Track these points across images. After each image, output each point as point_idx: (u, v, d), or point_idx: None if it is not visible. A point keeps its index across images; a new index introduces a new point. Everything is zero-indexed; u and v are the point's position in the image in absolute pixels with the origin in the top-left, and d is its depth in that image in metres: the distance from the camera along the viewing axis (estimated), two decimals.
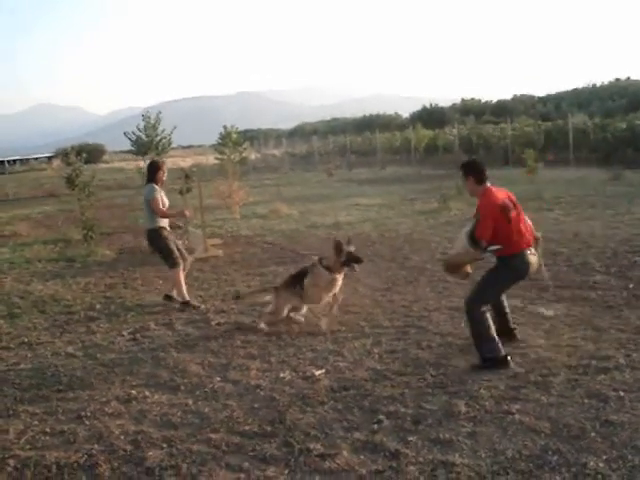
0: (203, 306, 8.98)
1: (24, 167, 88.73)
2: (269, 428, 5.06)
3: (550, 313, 7.28)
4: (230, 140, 35.46)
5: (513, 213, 6.11)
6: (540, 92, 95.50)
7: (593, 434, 4.61)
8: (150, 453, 4.80)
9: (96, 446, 4.99)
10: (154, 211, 8.91)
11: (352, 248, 7.59)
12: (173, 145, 42.14)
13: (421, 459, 4.43)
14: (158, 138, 39.96)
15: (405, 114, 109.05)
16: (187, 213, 9.50)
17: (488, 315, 6.14)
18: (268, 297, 8.13)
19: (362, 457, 4.53)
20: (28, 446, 5.09)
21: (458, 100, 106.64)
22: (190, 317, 8.53)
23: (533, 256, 6.22)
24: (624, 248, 11.09)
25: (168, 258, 9.05)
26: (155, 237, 9.08)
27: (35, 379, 6.59)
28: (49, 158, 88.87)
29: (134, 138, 40.29)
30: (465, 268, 6.52)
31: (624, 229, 13.07)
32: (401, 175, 32.09)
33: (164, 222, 9.12)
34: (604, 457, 4.30)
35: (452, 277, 7.67)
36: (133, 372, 6.59)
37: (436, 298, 8.60)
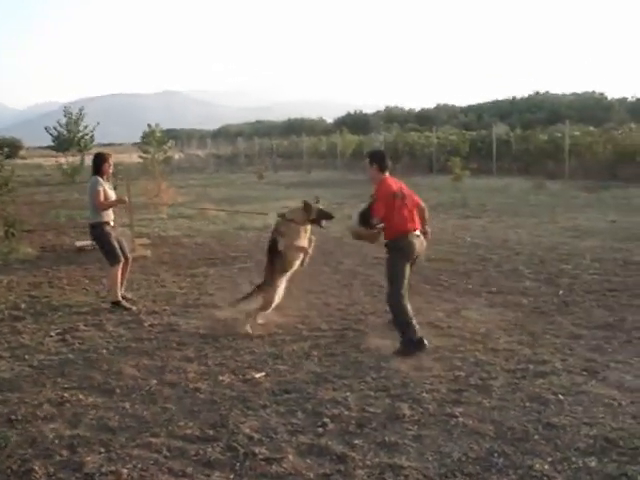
0: (135, 307, 8.73)
1: None
2: (211, 432, 4.95)
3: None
4: (154, 139, 34.89)
5: (399, 201, 6.89)
6: (461, 102, 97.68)
7: (536, 437, 4.69)
8: (88, 458, 4.61)
9: (30, 451, 4.78)
10: (95, 204, 8.68)
11: (320, 205, 7.75)
12: (95, 143, 41.25)
13: (368, 462, 4.41)
14: (80, 134, 39.05)
15: (329, 119, 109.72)
16: (125, 199, 9.24)
17: (407, 306, 6.75)
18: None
19: (308, 461, 4.47)
20: None
21: (381, 107, 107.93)
22: (121, 318, 8.29)
23: (417, 238, 7.01)
24: (551, 255, 11.37)
25: (109, 254, 8.83)
26: (98, 232, 8.84)
27: None
28: None
29: (55, 134, 39.25)
30: (371, 236, 7.22)
31: (549, 237, 13.43)
32: (327, 179, 32.17)
33: (108, 217, 8.89)
34: (549, 459, 4.37)
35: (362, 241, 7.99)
36: (65, 374, 6.35)
37: (371, 302, 8.62)
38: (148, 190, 16.72)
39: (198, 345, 7.07)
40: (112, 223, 9.01)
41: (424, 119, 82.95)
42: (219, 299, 8.93)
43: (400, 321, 6.72)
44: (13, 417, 5.38)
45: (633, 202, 19.53)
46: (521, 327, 7.33)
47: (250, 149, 57.74)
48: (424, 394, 5.49)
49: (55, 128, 38.87)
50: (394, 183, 7.12)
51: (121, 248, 8.96)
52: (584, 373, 5.87)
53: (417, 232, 7.03)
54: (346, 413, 5.18)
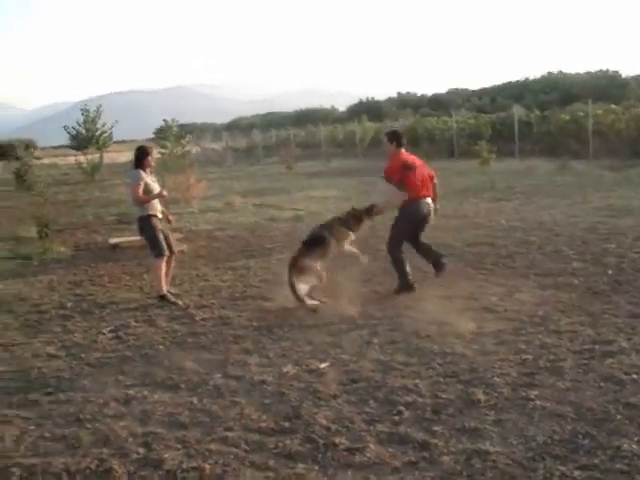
0: (180, 302, 8.70)
1: None
2: (286, 424, 4.90)
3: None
4: (172, 134, 34.90)
5: (410, 172, 8.22)
6: (474, 86, 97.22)
7: (619, 417, 4.63)
8: (166, 455, 4.57)
9: (105, 450, 4.73)
10: (133, 198, 8.66)
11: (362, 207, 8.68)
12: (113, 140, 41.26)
13: (452, 449, 4.36)
14: (99, 132, 39.07)
15: (341, 108, 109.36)
16: (164, 193, 9.03)
17: (404, 255, 8.35)
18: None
19: (391, 449, 4.42)
20: (30, 453, 4.80)
21: (390, 94, 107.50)
22: (171, 313, 8.25)
23: (427, 205, 8.37)
24: (592, 236, 11.26)
25: (154, 247, 8.76)
26: (144, 225, 8.78)
27: (20, 382, 6.22)
28: None
29: (74, 133, 39.28)
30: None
31: (585, 217, 13.30)
32: (348, 168, 32.01)
33: (155, 209, 8.82)
34: (635, 439, 4.30)
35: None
36: (125, 371, 6.31)
37: (419, 287, 8.53)
38: (178, 184, 16.71)
39: (254, 337, 7.03)
40: (160, 215, 8.95)
41: (437, 104, 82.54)
42: (265, 291, 8.89)
43: (397, 267, 8.32)
44: (81, 416, 5.34)
45: None
46: (578, 308, 7.24)
47: (267, 141, 57.61)
48: (495, 378, 5.42)
49: (73, 127, 38.89)
50: (407, 156, 8.43)
51: (167, 242, 8.91)
52: None
53: (428, 200, 8.40)
54: (420, 400, 5.12)
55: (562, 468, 4.02)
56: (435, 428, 4.66)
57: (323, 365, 6.02)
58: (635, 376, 5.26)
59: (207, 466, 4.38)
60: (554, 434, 4.44)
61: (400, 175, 8.18)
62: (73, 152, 41.98)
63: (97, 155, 37.20)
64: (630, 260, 9.31)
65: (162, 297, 8.75)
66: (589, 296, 7.72)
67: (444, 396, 5.17)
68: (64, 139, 43.11)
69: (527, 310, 7.28)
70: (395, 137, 8.49)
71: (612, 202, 15.21)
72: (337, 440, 4.58)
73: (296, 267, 7.91)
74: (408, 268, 8.32)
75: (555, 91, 73.85)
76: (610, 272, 8.74)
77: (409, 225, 8.40)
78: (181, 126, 60.08)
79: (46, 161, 62.62)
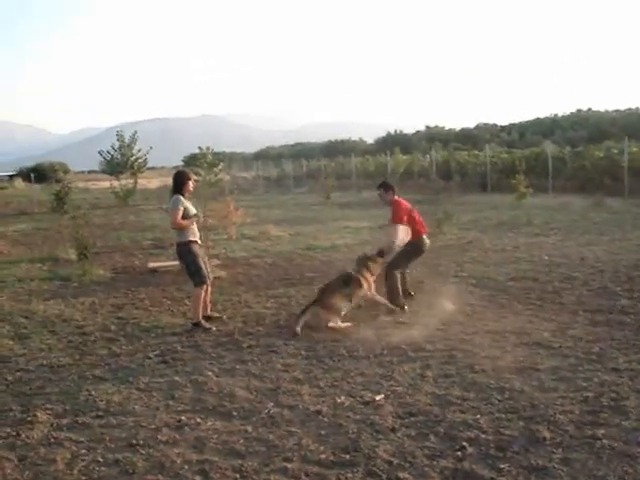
0: (214, 328, 8.61)
1: None
2: (347, 456, 4.79)
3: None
4: (205, 161, 35.15)
5: (414, 210, 9.59)
6: (502, 121, 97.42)
7: None
8: None
9: (160, 477, 4.66)
10: (172, 222, 8.66)
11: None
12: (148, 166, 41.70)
13: None
14: (133, 158, 39.50)
15: (368, 140, 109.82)
16: (200, 215, 9.15)
17: (398, 277, 9.38)
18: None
19: None
20: (84, 477, 4.74)
21: (418, 128, 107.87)
22: (217, 339, 8.18)
23: (427, 239, 9.69)
24: (637, 273, 11.08)
25: (195, 275, 8.71)
26: (184, 252, 8.74)
27: (68, 404, 6.18)
28: (10, 177, 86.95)
29: (109, 157, 39.75)
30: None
31: (626, 255, 13.12)
32: (380, 199, 31.77)
33: (194, 235, 8.80)
34: None
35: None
36: (175, 397, 6.24)
37: (469, 321, 8.42)
38: (217, 211, 16.72)
39: (304, 367, 6.93)
40: (199, 242, 8.94)
41: (466, 138, 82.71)
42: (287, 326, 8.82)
43: (393, 287, 9.25)
44: (134, 441, 5.27)
45: None
46: (634, 346, 7.07)
47: (297, 170, 57.83)
48: (558, 415, 5.28)
49: (108, 151, 39.37)
50: (404, 201, 9.62)
51: (206, 268, 8.89)
52: None
53: (427, 235, 9.72)
54: (482, 436, 4.99)
55: None
56: (501, 465, 4.53)
57: (378, 397, 5.91)
58: None
59: None
60: (626, 475, 4.31)
61: (408, 216, 9.34)
62: (104, 177, 42.38)
63: (131, 180, 37.58)
64: None
65: (196, 324, 8.69)
66: None
67: (507, 432, 5.04)
68: (94, 164, 43.61)
69: (582, 346, 7.13)
70: (390, 187, 9.69)
71: None
72: (401, 475, 4.47)
73: (322, 302, 8.52)
74: (400, 289, 9.31)
75: (584, 128, 73.70)
76: None
77: (415, 256, 9.71)
78: (214, 154, 60.66)
79: (80, 184, 63.38)
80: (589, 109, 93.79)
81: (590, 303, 9.16)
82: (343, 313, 8.51)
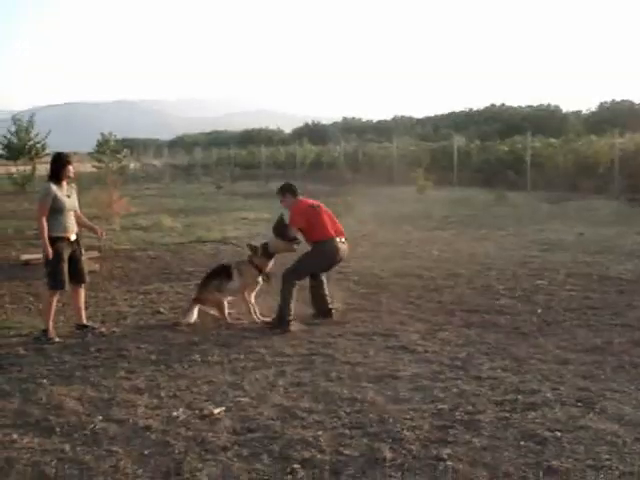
0: (58, 339, 7.59)
1: None
2: None
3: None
4: (108, 148, 34.04)
5: (321, 210, 8.08)
6: (418, 114, 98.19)
7: None
8: None
9: None
10: (36, 215, 7.66)
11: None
12: (47, 151, 40.05)
13: None
14: (31, 142, 37.91)
15: (287, 130, 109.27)
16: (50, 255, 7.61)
17: (295, 290, 7.83)
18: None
19: None
20: None
21: (338, 119, 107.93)
22: (65, 341, 7.52)
23: (343, 244, 8.07)
24: (523, 270, 10.92)
25: (49, 276, 7.71)
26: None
27: None
28: None
29: (5, 142, 38.07)
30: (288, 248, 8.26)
31: (518, 250, 13.01)
32: None
33: (65, 231, 7.69)
34: None
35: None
36: None
37: (339, 321, 8.01)
38: (100, 200, 15.94)
39: (149, 374, 6.33)
40: (72, 237, 7.82)
41: (382, 130, 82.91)
42: (173, 319, 8.24)
43: (284, 301, 7.75)
44: None
45: (597, 214, 19.30)
46: (503, 351, 6.75)
47: (207, 159, 56.85)
48: (405, 432, 4.84)
49: (4, 136, 37.73)
50: (308, 200, 8.35)
51: (77, 268, 7.89)
52: (579, 404, 5.29)
53: (342, 239, 8.08)
54: (318, 457, 4.49)
55: None
56: None
57: (217, 410, 5.37)
58: (559, 434, 4.74)
59: None
60: None
61: (309, 217, 8.00)
62: (7, 162, 40.56)
63: (30, 166, 36.06)
64: (560, 299, 8.94)
65: (44, 331, 7.66)
66: (515, 337, 7.27)
67: (347, 452, 4.56)
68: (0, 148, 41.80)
69: (449, 351, 6.77)
70: (286, 189, 8.37)
71: (546, 235, 15.02)
72: None
73: (198, 298, 8.26)
74: (293, 304, 7.82)
75: (497, 122, 74.74)
76: (539, 311, 8.34)
77: (322, 264, 8.18)
78: (123, 140, 59.06)
79: None
80: (502, 104, 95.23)
81: (469, 302, 8.89)
82: (225, 302, 8.20)
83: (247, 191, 31.77)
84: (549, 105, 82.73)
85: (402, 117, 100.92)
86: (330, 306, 8.26)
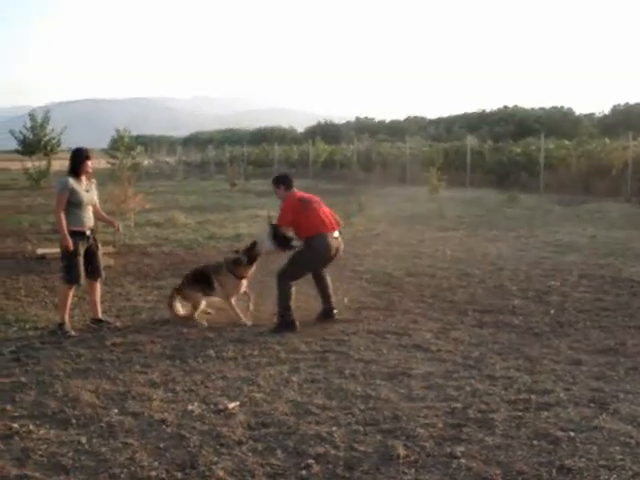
0: (73, 333, 7.66)
1: None
2: (179, 474, 4.30)
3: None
4: (122, 144, 34.19)
5: (311, 205, 7.78)
6: (431, 115, 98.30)
7: None
8: None
9: None
10: (54, 209, 7.70)
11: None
12: (62, 147, 40.29)
13: None
14: (46, 138, 38.14)
15: (299, 128, 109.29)
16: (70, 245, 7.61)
17: (293, 290, 7.63)
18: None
19: None
20: None
21: (351, 118, 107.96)
22: (81, 336, 7.59)
23: (335, 240, 7.76)
24: (536, 271, 10.90)
25: (64, 270, 7.74)
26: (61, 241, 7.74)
27: None
28: None
29: (21, 137, 38.33)
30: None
31: (531, 251, 13.00)
32: (299, 188, 31.23)
33: (82, 225, 7.71)
34: None
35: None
36: (16, 400, 5.63)
37: (353, 319, 8.04)
38: (114, 196, 16.02)
39: (164, 368, 6.40)
40: (88, 232, 7.82)
41: (394, 130, 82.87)
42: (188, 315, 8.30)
43: (283, 302, 7.57)
44: None
45: (609, 217, 19.25)
46: (516, 350, 6.77)
47: (220, 157, 56.98)
48: (419, 429, 4.87)
49: (20, 131, 37.98)
50: (300, 193, 8.05)
51: (94, 264, 7.93)
52: (592, 405, 5.32)
53: (335, 234, 7.80)
54: (333, 452, 4.54)
55: None
56: None
57: (232, 405, 5.42)
58: (572, 433, 4.76)
59: None
60: None
61: (297, 213, 7.71)
62: (24, 157, 40.79)
63: (45, 162, 36.29)
64: (573, 300, 8.94)
65: (60, 325, 7.75)
66: (529, 337, 7.29)
67: (360, 448, 4.61)
68: (16, 144, 42.04)
69: (462, 350, 6.80)
70: (281, 180, 8.12)
71: (559, 237, 14.99)
72: None
73: (179, 289, 8.34)
74: (292, 304, 7.65)
75: (510, 124, 74.57)
76: (552, 312, 8.35)
77: (315, 261, 7.88)
78: (137, 138, 59.35)
79: (0, 164, 61.03)
80: (515, 105, 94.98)
81: (482, 302, 8.90)
82: (200, 306, 8.16)
83: (260, 189, 31.81)
84: (562, 107, 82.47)
85: (415, 117, 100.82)
86: (333, 307, 8.06)
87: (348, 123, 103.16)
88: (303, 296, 8.24)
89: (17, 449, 4.74)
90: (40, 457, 4.61)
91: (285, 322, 7.54)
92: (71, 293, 7.87)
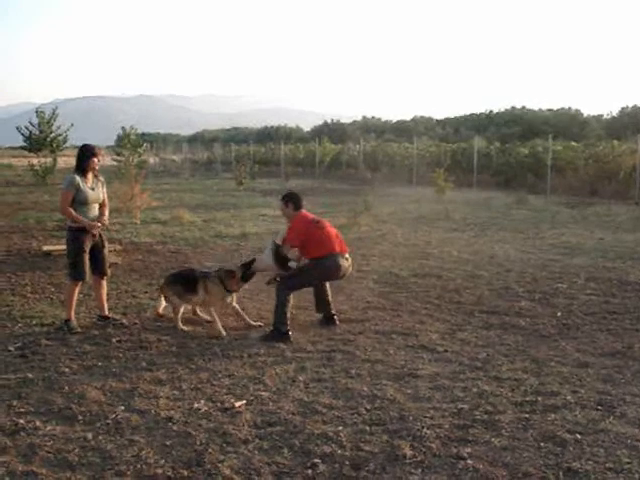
0: (79, 329, 7.67)
1: None
2: (185, 472, 4.30)
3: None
4: (128, 141, 34.22)
5: (320, 226, 7.65)
6: (438, 115, 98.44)
7: None
8: None
9: None
10: (59, 205, 7.75)
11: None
12: (67, 144, 40.43)
13: None
14: (53, 135, 38.21)
15: (306, 128, 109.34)
16: (93, 224, 7.72)
17: (290, 298, 7.44)
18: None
19: None
20: None
21: (357, 117, 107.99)
22: (87, 332, 7.59)
23: (346, 261, 7.65)
24: (543, 273, 10.86)
25: (70, 267, 7.77)
26: (68, 237, 7.78)
27: None
28: None
29: (27, 134, 38.40)
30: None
31: (537, 254, 12.94)
32: (306, 188, 31.41)
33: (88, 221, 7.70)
34: None
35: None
36: (22, 396, 5.65)
37: (359, 319, 8.03)
38: (121, 194, 16.03)
39: (170, 366, 6.40)
40: (95, 231, 7.82)
41: (401, 130, 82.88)
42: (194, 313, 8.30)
43: (280, 310, 7.31)
44: None
45: (617, 220, 19.18)
46: (523, 352, 6.76)
47: (226, 155, 57.04)
48: (425, 430, 4.87)
49: (27, 128, 38.06)
50: (310, 215, 7.88)
51: (100, 261, 7.95)
52: (599, 408, 5.30)
53: (346, 255, 7.71)
54: (339, 452, 4.54)
55: None
56: None
57: (239, 403, 5.42)
58: (579, 436, 4.75)
59: None
60: None
61: (306, 234, 7.49)
62: (31, 154, 40.91)
63: (51, 158, 36.38)
64: (580, 303, 8.90)
65: (66, 322, 7.76)
66: (535, 339, 7.26)
67: (367, 448, 4.60)
68: (22, 140, 42.16)
69: (468, 351, 6.78)
70: (290, 198, 7.86)
71: (566, 239, 14.93)
72: None
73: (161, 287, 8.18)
74: (289, 314, 7.42)
75: (518, 125, 74.47)
76: (559, 314, 8.32)
77: (322, 278, 7.73)
78: (143, 135, 59.41)
79: (5, 161, 61.12)
80: (523, 107, 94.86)
81: (489, 303, 8.88)
82: (179, 310, 7.79)
83: (266, 188, 31.85)
84: (570, 108, 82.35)
85: (422, 117, 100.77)
86: (333, 312, 7.90)
87: (355, 123, 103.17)
88: (309, 295, 8.19)
89: (24, 445, 4.75)
90: (46, 453, 4.62)
91: (279, 332, 7.27)
92: (77, 290, 7.88)
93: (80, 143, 8.44)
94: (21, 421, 5.13)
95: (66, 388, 5.83)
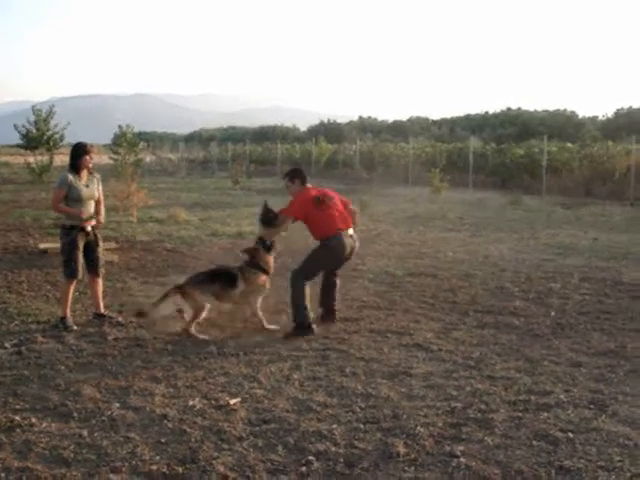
0: (75, 327, 7.69)
1: None
2: (180, 469, 4.33)
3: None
4: (125, 140, 34.23)
5: (325, 204, 7.49)
6: (434, 115, 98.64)
7: None
8: None
9: None
10: (51, 203, 7.82)
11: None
12: (64, 142, 40.29)
13: None
14: (50, 133, 38.15)
15: (303, 127, 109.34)
16: (85, 217, 7.78)
17: (307, 288, 7.39)
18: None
19: None
20: None
21: (354, 117, 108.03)
22: (83, 330, 7.62)
23: (350, 238, 7.53)
24: (537, 273, 10.91)
25: (64, 265, 7.84)
26: (61, 235, 7.87)
27: None
28: None
29: (24, 132, 38.33)
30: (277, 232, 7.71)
31: (532, 254, 13.00)
32: None
33: (81, 220, 7.75)
34: None
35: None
36: (17, 393, 5.67)
37: (354, 318, 8.07)
38: (117, 192, 16.04)
39: (166, 363, 6.43)
40: (88, 228, 7.87)
41: (397, 130, 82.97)
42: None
43: (297, 303, 7.32)
44: None
45: (611, 220, 19.30)
46: (517, 352, 6.80)
47: (223, 154, 57.05)
48: (419, 428, 4.90)
49: (24, 126, 37.99)
50: (315, 190, 7.75)
51: (93, 260, 7.99)
52: (591, 407, 5.34)
53: (350, 231, 7.60)
54: (333, 449, 4.57)
55: None
56: None
57: (233, 401, 5.46)
58: (571, 434, 4.79)
59: None
60: None
61: (308, 210, 7.46)
62: (27, 152, 40.83)
63: (47, 156, 36.35)
64: (574, 302, 8.96)
65: (62, 319, 7.79)
66: (529, 339, 7.31)
67: (360, 446, 4.64)
68: (18, 138, 42.05)
69: (462, 350, 6.83)
70: (295, 175, 7.83)
71: (560, 240, 15.00)
72: None
73: (183, 289, 7.54)
74: (308, 303, 7.37)
75: (513, 126, 74.58)
76: (553, 313, 8.37)
77: (330, 261, 7.66)
78: (140, 134, 59.41)
79: (0, 159, 60.98)
80: (519, 108, 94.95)
81: (483, 303, 8.92)
82: (203, 313, 7.46)
83: (262, 187, 31.88)
84: (565, 110, 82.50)
85: (418, 118, 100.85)
86: (335, 307, 7.92)
87: (351, 122, 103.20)
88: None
89: (19, 442, 4.77)
90: (42, 450, 4.64)
91: (302, 325, 7.28)
92: (72, 287, 7.92)
93: (77, 141, 8.47)
94: (17, 418, 5.15)
95: (62, 385, 5.86)
